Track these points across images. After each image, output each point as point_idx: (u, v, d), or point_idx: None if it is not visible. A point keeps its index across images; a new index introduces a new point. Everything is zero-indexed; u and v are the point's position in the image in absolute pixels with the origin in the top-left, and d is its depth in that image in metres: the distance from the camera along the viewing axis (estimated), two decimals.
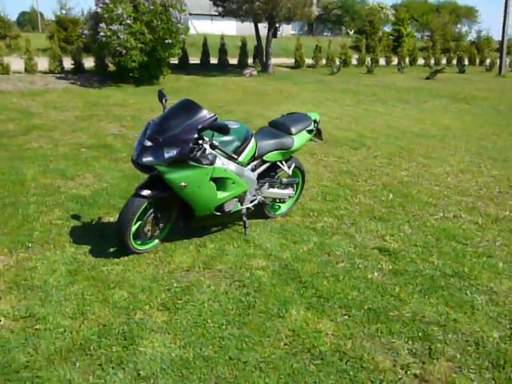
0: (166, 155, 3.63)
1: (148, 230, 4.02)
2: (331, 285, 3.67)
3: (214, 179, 3.93)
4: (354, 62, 24.08)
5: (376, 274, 3.91)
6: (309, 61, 22.17)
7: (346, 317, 3.27)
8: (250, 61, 20.98)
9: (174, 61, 17.45)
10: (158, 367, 2.71)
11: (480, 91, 16.30)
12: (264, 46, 19.32)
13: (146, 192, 3.79)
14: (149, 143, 3.70)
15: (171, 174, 3.68)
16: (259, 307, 3.32)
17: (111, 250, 4.08)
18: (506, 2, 21.45)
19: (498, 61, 22.88)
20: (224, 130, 3.69)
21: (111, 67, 15.73)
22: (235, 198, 4.23)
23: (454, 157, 7.81)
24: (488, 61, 27.23)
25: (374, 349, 2.94)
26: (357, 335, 3.08)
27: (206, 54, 19.89)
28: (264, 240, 4.43)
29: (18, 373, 2.62)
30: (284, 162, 4.77)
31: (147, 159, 3.66)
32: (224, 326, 3.09)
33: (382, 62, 24.58)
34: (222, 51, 20.17)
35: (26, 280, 3.56)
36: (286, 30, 47.31)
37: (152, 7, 14.37)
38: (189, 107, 3.86)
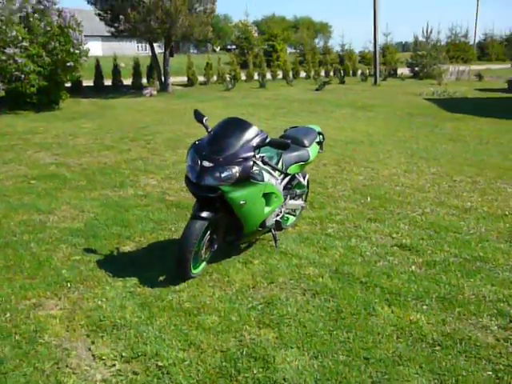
0: (230, 174, 3.63)
1: (203, 253, 3.98)
2: (389, 281, 3.95)
3: (263, 195, 4.01)
4: (243, 77, 24.81)
5: (413, 267, 4.26)
6: (200, 78, 22.43)
7: (426, 306, 3.56)
8: (144, 80, 20.69)
9: (67, 84, 16.67)
10: (306, 379, 2.76)
11: (370, 99, 17.78)
12: (162, 65, 19.20)
13: (205, 214, 3.76)
14: (208, 164, 3.66)
15: (234, 192, 3.69)
16: (348, 310, 3.49)
17: (160, 278, 3.97)
18: (375, 17, 23.67)
19: (373, 71, 25.12)
20: (284, 145, 3.80)
21: (1, 93, 14.58)
22: (274, 212, 4.34)
23: (391, 159, 8.53)
24: (359, 72, 29.81)
25: (470, 329, 3.26)
26: (447, 320, 3.38)
27: (99, 75, 19.22)
28: (296, 250, 4.58)
29: None
30: (300, 174, 4.97)
31: (211, 180, 3.63)
32: (334, 332, 3.22)
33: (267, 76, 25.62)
34: (116, 72, 19.65)
35: (102, 321, 3.35)
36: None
37: (49, 28, 13.65)
38: (240, 125, 3.89)
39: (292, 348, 3.05)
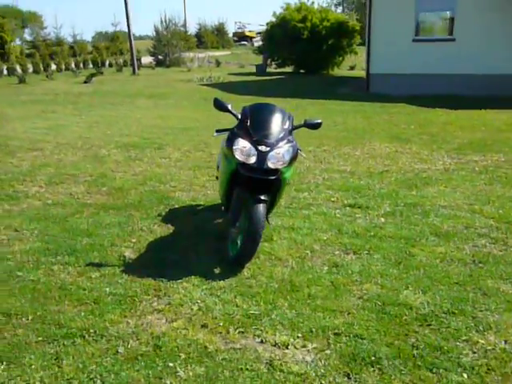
0: (287, 157, 3.71)
1: None
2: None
3: None
4: None
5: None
6: None
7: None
8: None
9: None
10: None
11: (152, 88, 17.83)
12: None
13: (264, 196, 3.74)
14: (265, 148, 3.66)
15: (288, 173, 3.83)
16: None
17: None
18: (127, 10, 23.33)
19: (131, 61, 24.80)
20: (318, 125, 4.01)
21: None
22: None
23: None
24: (107, 62, 29.05)
25: None
26: None
27: None
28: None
29: None
30: None
31: (274, 163, 3.65)
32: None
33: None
34: None
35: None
36: None
37: None
38: (274, 109, 3.94)
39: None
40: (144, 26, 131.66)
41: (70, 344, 2.86)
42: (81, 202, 5.57)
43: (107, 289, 3.53)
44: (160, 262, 4.01)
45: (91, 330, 2.99)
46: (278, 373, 2.61)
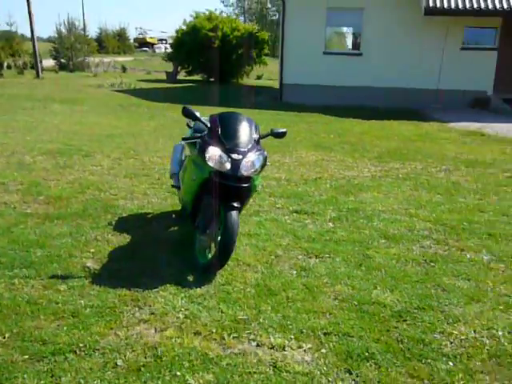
0: (258, 164, 3.83)
1: None
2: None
3: None
4: None
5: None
6: None
7: None
8: None
9: None
10: None
11: (61, 93, 16.99)
12: None
13: (237, 204, 3.82)
14: (237, 156, 3.74)
15: (257, 180, 3.95)
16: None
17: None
18: (29, 10, 22.02)
19: (34, 64, 23.39)
20: (283, 134, 4.17)
21: None
22: None
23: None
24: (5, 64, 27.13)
25: None
26: None
27: None
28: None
29: None
30: None
31: (246, 171, 3.74)
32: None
33: None
34: None
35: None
36: None
37: None
38: (242, 118, 4.02)
39: None
40: (38, 27, 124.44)
41: (63, 360, 2.72)
42: (19, 211, 5.25)
43: (82, 301, 3.39)
44: (128, 271, 3.91)
45: (80, 345, 2.87)
46: (285, 374, 2.69)
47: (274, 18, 55.16)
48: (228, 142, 3.79)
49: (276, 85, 23.02)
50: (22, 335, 2.95)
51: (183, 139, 4.23)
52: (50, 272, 3.83)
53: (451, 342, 3.08)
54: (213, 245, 3.95)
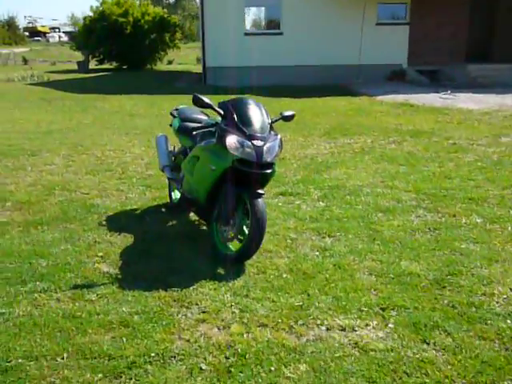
0: (278, 149, 3.80)
1: None
2: None
3: None
4: None
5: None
6: None
7: None
8: None
9: None
10: None
11: None
12: None
13: (261, 190, 3.80)
14: (260, 143, 3.68)
15: (275, 165, 3.87)
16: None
17: None
18: None
19: None
20: (292, 117, 4.14)
21: None
22: None
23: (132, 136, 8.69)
24: None
25: None
26: None
27: None
28: None
29: None
30: None
31: (270, 157, 3.70)
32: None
33: None
34: None
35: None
36: None
37: None
38: (256, 104, 3.93)
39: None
40: None
41: (144, 373, 2.55)
42: None
43: (123, 309, 3.18)
44: (151, 272, 3.72)
45: (152, 354, 2.70)
46: (372, 353, 2.71)
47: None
48: (248, 128, 3.70)
49: (193, 69, 22.73)
50: (81, 353, 2.72)
51: (192, 129, 4.05)
52: (70, 282, 3.55)
53: (497, 302, 3.25)
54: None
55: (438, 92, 14.04)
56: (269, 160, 3.67)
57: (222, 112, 3.84)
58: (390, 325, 3.00)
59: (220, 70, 16.56)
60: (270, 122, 3.91)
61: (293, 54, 16.37)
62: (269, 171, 3.75)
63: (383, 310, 3.17)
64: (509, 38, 16.46)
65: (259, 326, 2.97)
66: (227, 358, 2.67)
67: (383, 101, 13.09)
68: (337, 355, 2.68)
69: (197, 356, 2.68)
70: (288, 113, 4.17)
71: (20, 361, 2.65)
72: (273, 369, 2.57)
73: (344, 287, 3.45)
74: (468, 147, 7.89)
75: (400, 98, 13.36)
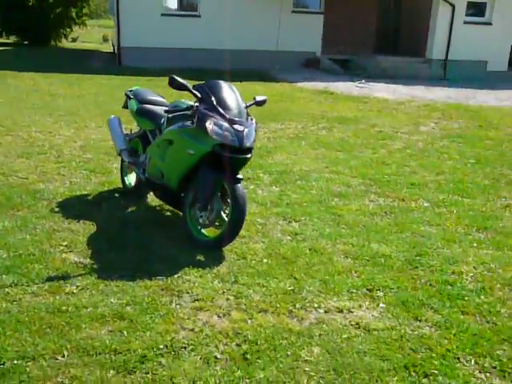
0: (255, 134, 3.81)
1: None
2: None
3: None
4: None
5: None
6: None
7: None
8: None
9: None
10: None
11: None
12: None
13: (239, 175, 3.80)
14: (241, 127, 3.67)
15: (253, 150, 3.88)
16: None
17: None
18: None
19: None
20: (264, 102, 4.14)
21: None
22: None
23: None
24: None
25: None
26: None
27: None
28: None
29: None
30: None
31: (249, 141, 3.70)
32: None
33: None
34: None
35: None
36: None
37: None
38: (232, 87, 3.90)
39: None
40: None
41: (159, 366, 2.46)
42: None
43: (111, 300, 3.04)
44: (127, 261, 3.57)
45: (160, 346, 2.61)
46: (375, 332, 2.83)
47: None
48: (227, 112, 3.65)
49: (101, 48, 21.71)
50: (82, 349, 2.55)
51: (166, 112, 3.91)
52: (41, 274, 3.30)
53: (467, 280, 3.52)
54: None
55: (353, 81, 14.61)
56: (248, 145, 3.65)
57: (199, 95, 3.73)
58: (381, 304, 3.14)
59: (136, 51, 15.94)
60: (245, 106, 3.87)
61: (211, 38, 16.18)
62: (249, 156, 3.72)
63: (370, 290, 3.30)
64: (410, 32, 17.49)
65: (260, 312, 2.97)
66: (238, 345, 2.65)
67: (304, 88, 13.38)
68: (345, 336, 2.76)
69: (207, 345, 2.63)
70: (261, 98, 4.16)
71: (16, 362, 2.43)
72: (289, 353, 2.58)
73: (327, 270, 3.54)
74: (394, 135, 8.33)
75: (319, 85, 13.72)
